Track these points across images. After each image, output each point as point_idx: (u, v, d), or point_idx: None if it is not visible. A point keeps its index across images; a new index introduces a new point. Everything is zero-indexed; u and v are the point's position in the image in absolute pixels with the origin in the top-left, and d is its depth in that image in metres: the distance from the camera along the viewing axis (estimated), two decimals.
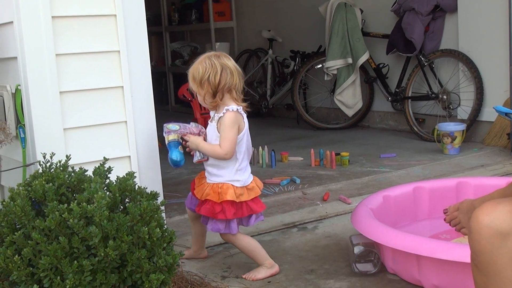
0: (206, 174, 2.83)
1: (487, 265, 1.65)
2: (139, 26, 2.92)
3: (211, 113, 2.85)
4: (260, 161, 4.95)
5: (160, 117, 7.59)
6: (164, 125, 2.83)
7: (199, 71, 2.71)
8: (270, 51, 7.20)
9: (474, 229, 1.66)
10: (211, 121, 2.82)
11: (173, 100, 8.70)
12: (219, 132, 2.73)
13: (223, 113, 2.72)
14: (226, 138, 2.70)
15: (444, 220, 2.32)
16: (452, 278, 2.43)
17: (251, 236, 3.24)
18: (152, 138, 2.96)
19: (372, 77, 6.24)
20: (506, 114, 2.03)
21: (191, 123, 2.95)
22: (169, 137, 2.80)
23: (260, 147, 4.98)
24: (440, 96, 5.56)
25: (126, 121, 2.87)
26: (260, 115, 7.36)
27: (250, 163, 4.90)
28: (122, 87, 2.85)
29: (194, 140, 2.81)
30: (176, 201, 3.96)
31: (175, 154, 2.78)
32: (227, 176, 2.76)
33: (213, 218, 2.75)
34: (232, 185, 2.74)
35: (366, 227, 2.77)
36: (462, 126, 5.02)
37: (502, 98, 5.04)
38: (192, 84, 2.75)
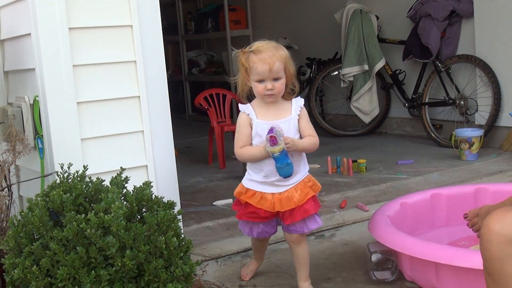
0: (277, 181, 2.56)
1: (499, 273, 1.64)
2: (155, 36, 2.94)
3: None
4: None
5: (177, 126, 7.62)
6: (272, 134, 2.45)
7: (283, 55, 2.56)
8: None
9: (484, 236, 1.66)
10: (273, 118, 2.55)
11: (190, 108, 8.73)
12: (298, 124, 2.58)
13: (300, 106, 2.60)
14: (312, 127, 2.61)
15: (467, 225, 2.32)
16: (470, 286, 2.41)
17: (269, 244, 3.25)
18: (169, 147, 2.97)
19: (388, 83, 6.23)
20: None
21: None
22: (280, 144, 2.45)
23: None
24: (457, 101, 5.53)
25: (143, 131, 2.88)
26: None
27: None
28: (139, 96, 2.87)
29: (294, 141, 2.52)
30: (194, 209, 3.97)
31: (291, 165, 2.49)
32: (305, 168, 2.64)
33: (310, 216, 2.61)
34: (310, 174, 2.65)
35: (384, 234, 2.76)
36: (479, 132, 4.99)
37: None
38: (277, 67, 2.51)
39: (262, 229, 2.65)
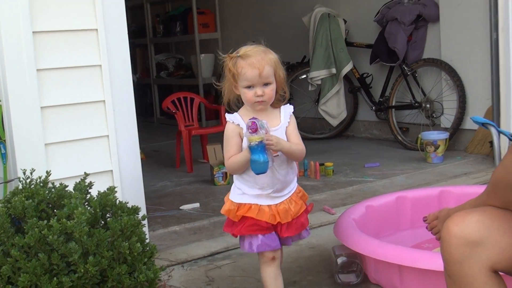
0: (273, 193, 2.41)
1: (459, 274, 1.67)
2: (121, 40, 2.93)
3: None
4: None
5: (145, 129, 7.53)
6: (254, 120, 2.27)
7: (273, 59, 2.41)
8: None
9: (444, 239, 1.69)
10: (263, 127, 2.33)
11: (159, 112, 8.69)
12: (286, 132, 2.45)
13: (290, 113, 2.47)
14: (299, 136, 2.47)
15: (426, 228, 2.34)
16: (432, 287, 2.44)
17: (235, 248, 3.26)
18: (135, 152, 2.96)
19: (356, 86, 6.27)
20: (483, 124, 2.05)
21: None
22: (260, 134, 2.26)
23: None
24: (423, 105, 5.59)
25: (108, 135, 2.87)
26: None
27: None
28: (104, 101, 2.85)
29: (279, 140, 2.34)
30: (160, 214, 3.96)
31: (266, 163, 2.28)
32: (296, 178, 2.51)
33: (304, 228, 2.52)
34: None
35: (348, 237, 2.78)
36: (445, 135, 5.05)
37: (485, 106, 5.08)
38: (267, 72, 2.36)
39: (262, 241, 2.42)
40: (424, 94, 5.61)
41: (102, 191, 2.32)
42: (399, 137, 5.74)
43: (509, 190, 1.67)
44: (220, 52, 2.50)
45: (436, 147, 4.98)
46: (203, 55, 7.94)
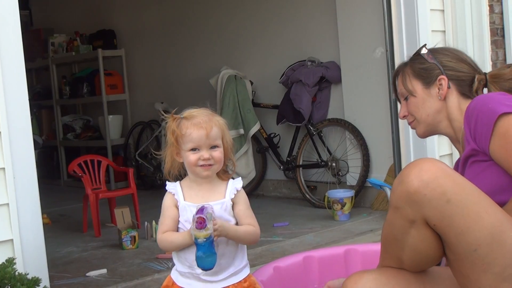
0: (203, 275, 2.18)
1: None
2: (21, 105, 2.85)
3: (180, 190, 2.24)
4: (154, 235, 4.89)
5: (51, 193, 7.33)
6: (201, 215, 2.07)
7: (221, 122, 2.27)
8: (164, 123, 7.20)
9: None
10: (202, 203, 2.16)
11: (65, 174, 8.50)
12: (233, 210, 2.24)
13: (236, 189, 2.27)
14: (253, 215, 2.29)
15: None
16: None
17: None
18: (36, 220, 2.87)
19: (264, 146, 6.37)
20: (381, 186, 2.13)
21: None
22: (208, 229, 2.05)
23: (153, 220, 4.93)
24: (329, 163, 5.73)
25: (8, 204, 2.78)
26: (155, 186, 7.32)
27: (144, 237, 4.88)
28: (4, 168, 2.77)
29: (224, 225, 2.13)
30: (65, 282, 3.83)
31: (214, 256, 2.09)
32: (242, 264, 2.26)
33: None
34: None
35: None
36: (350, 193, 5.17)
37: (387, 164, 5.25)
38: (215, 134, 2.21)
39: None
40: (330, 153, 5.75)
41: (1, 262, 2.24)
42: (307, 196, 5.84)
43: (396, 244, 1.73)
44: (163, 113, 2.31)
45: (343, 205, 5.09)
46: (111, 116, 7.88)
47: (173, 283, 2.25)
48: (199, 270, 2.15)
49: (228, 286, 2.19)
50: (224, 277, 2.20)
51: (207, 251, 2.06)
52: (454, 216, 1.64)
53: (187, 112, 2.25)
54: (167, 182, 2.29)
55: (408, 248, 1.72)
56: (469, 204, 1.62)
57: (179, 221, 2.21)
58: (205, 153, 2.16)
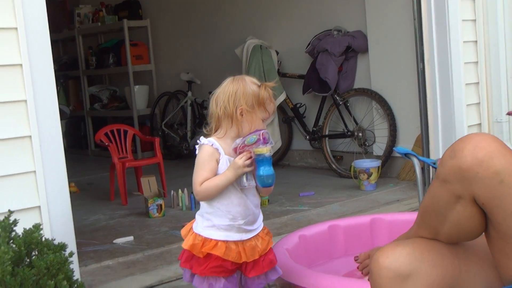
0: (244, 225, 2.33)
1: None
2: (47, 75, 2.85)
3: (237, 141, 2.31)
4: (180, 204, 4.92)
5: (79, 162, 7.41)
6: (264, 131, 2.28)
7: None
8: (189, 93, 7.23)
9: (374, 271, 1.70)
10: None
11: (93, 144, 8.58)
12: None
13: None
14: None
15: (357, 268, 2.34)
16: None
17: (170, 282, 3.22)
18: (63, 187, 2.89)
19: (290, 116, 6.34)
20: (406, 154, 2.10)
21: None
22: (271, 143, 2.29)
23: (179, 189, 4.96)
24: (356, 133, 5.69)
25: (35, 171, 2.80)
26: (181, 157, 7.35)
27: (170, 206, 4.91)
28: (30, 136, 2.79)
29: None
30: (93, 248, 3.88)
31: (274, 173, 2.28)
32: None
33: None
34: None
35: (282, 268, 2.77)
36: (377, 163, 5.14)
37: (414, 134, 5.20)
38: None
39: (224, 286, 2.30)
40: (356, 123, 5.71)
41: (28, 228, 2.26)
42: (333, 166, 5.82)
43: (437, 217, 1.70)
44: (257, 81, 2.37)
45: (369, 175, 5.06)
46: (137, 86, 7.90)
47: (204, 239, 2.29)
48: (241, 221, 2.30)
49: (258, 234, 2.37)
50: (256, 226, 2.37)
51: (270, 166, 2.24)
52: (505, 197, 1.58)
53: (268, 83, 2.36)
54: (201, 138, 2.35)
55: (450, 222, 1.68)
56: None
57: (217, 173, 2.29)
58: (264, 125, 2.33)
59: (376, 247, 2.25)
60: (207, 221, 2.32)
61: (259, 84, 2.33)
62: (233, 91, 2.30)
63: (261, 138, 2.21)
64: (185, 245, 2.32)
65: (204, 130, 2.41)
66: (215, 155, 2.29)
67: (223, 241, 2.28)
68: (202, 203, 2.36)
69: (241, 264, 2.33)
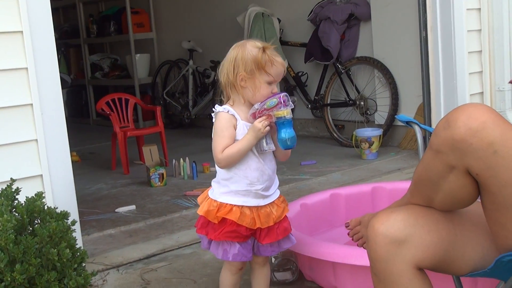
0: (261, 190, 2.31)
1: (384, 273, 1.69)
2: (47, 42, 2.85)
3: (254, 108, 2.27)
4: (182, 173, 4.93)
5: (80, 131, 7.41)
6: (284, 93, 2.23)
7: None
8: (191, 62, 7.19)
9: (370, 237, 1.71)
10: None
11: (94, 113, 8.57)
12: None
13: None
14: None
15: (348, 234, 2.33)
16: (365, 282, 2.48)
17: (172, 250, 3.24)
18: (65, 156, 2.90)
19: (291, 85, 6.32)
20: (407, 122, 2.09)
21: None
22: (291, 105, 2.24)
23: (181, 158, 4.96)
24: (358, 102, 5.68)
25: (36, 139, 2.80)
26: (182, 125, 7.35)
27: (172, 175, 4.92)
28: (32, 104, 2.78)
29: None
30: (95, 217, 3.89)
31: (295, 134, 2.27)
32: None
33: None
34: None
35: None
36: (378, 132, 5.13)
37: (416, 103, 5.19)
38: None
39: (238, 251, 2.30)
40: (358, 92, 5.69)
41: (31, 196, 2.27)
42: (335, 135, 5.81)
43: (430, 186, 1.69)
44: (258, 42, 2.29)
45: (371, 144, 5.06)
46: (138, 55, 7.87)
47: (220, 204, 2.29)
48: (259, 185, 2.28)
49: (274, 201, 2.34)
50: (272, 192, 2.34)
51: (291, 128, 2.23)
52: (499, 167, 1.57)
53: (269, 45, 2.28)
54: (216, 106, 2.32)
55: (443, 192, 1.68)
56: None
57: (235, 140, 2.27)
58: (275, 88, 2.25)
59: (367, 214, 2.25)
60: (223, 187, 2.31)
61: (261, 46, 2.27)
62: (232, 58, 2.27)
63: (281, 101, 2.18)
64: (200, 211, 2.32)
65: (218, 99, 2.39)
66: (232, 121, 2.26)
67: (238, 206, 2.28)
68: (218, 170, 2.34)
69: (255, 230, 2.31)
